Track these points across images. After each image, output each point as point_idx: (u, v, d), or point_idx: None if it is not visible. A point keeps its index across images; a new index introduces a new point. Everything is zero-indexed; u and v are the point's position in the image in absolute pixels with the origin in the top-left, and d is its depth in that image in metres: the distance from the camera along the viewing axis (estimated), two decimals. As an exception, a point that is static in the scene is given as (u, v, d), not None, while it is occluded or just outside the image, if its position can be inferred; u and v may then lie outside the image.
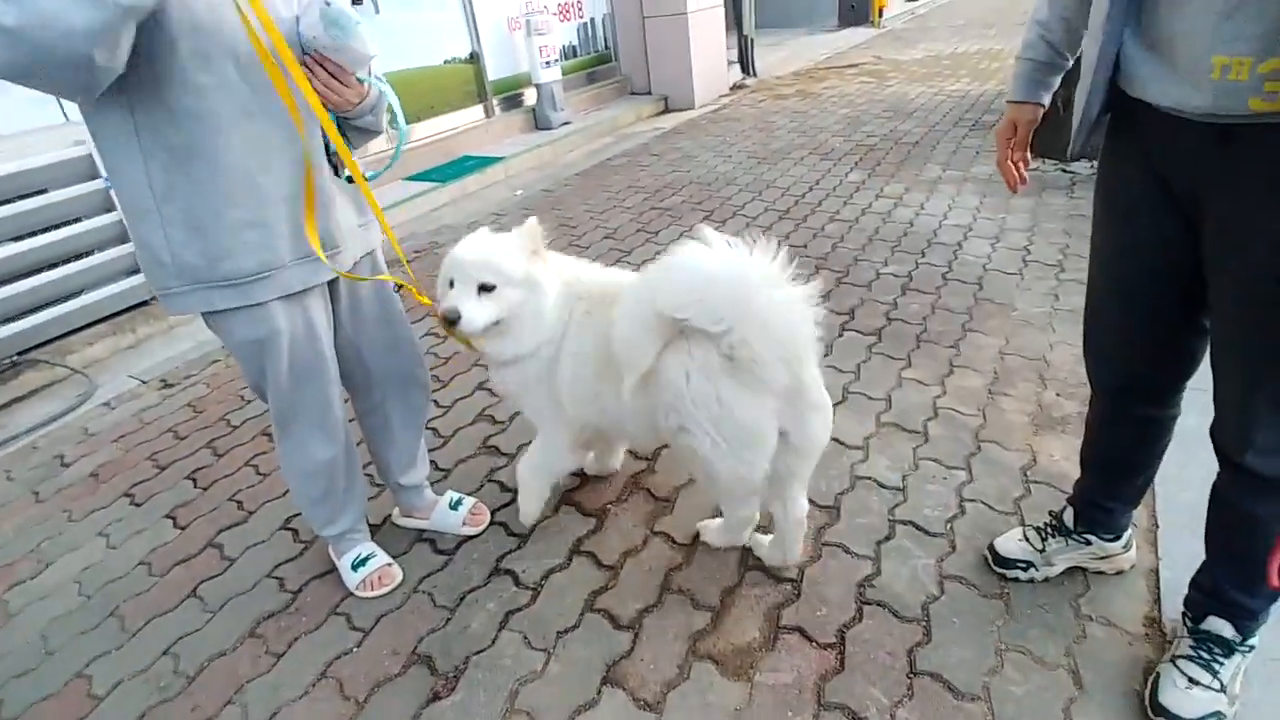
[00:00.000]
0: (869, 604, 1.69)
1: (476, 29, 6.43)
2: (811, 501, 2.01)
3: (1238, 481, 1.27)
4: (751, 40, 8.90)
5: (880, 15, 13.41)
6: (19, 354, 3.19)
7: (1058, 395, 2.36)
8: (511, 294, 1.64)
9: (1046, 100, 1.44)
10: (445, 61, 6.27)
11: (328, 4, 1.32)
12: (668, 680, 1.56)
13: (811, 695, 1.50)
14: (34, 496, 2.49)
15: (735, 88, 8.52)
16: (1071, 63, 1.39)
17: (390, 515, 2.15)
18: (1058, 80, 1.43)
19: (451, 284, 1.65)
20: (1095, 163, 1.41)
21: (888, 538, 1.87)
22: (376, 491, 2.24)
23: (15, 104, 3.39)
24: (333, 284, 1.66)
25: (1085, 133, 1.27)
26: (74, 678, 1.75)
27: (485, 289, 1.62)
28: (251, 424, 2.75)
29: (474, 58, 6.50)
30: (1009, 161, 1.51)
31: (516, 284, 1.64)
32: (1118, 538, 1.65)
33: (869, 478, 2.08)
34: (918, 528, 1.89)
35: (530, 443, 1.94)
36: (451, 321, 1.59)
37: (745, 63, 8.92)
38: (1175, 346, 1.36)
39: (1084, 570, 1.69)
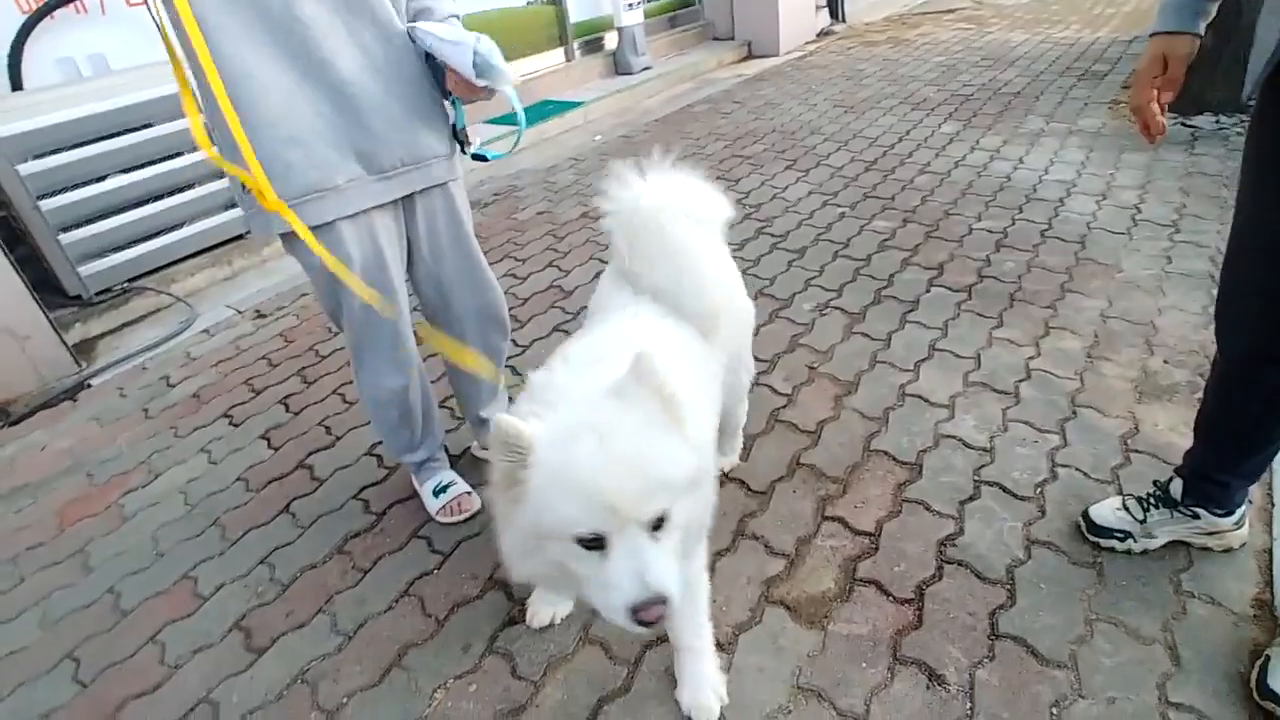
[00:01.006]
0: (950, 563, 1.64)
1: (559, -31, 6.31)
2: (891, 457, 1.97)
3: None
4: (843, -17, 8.47)
5: (983, -43, 12.50)
6: (129, 281, 3.38)
7: (1165, 362, 2.21)
8: (688, 504, 1.02)
9: (1203, 30, 1.27)
10: (528, 3, 6.19)
11: (477, 52, 1.43)
12: (739, 622, 1.56)
13: (887, 649, 1.47)
14: (144, 413, 2.65)
15: (822, 34, 8.14)
16: None
17: (470, 447, 2.20)
18: (1215, 7, 1.25)
19: (591, 542, 0.94)
20: (1219, 116, 1.26)
21: (972, 498, 1.81)
22: (456, 424, 2.30)
23: (126, 40, 3.54)
24: (409, 215, 1.68)
25: (1268, 72, 1.13)
26: (181, 579, 1.88)
27: (658, 524, 0.97)
28: (338, 355, 2.84)
29: (556, -1, 6.40)
30: (1152, 105, 1.33)
31: (693, 486, 1.03)
32: (1230, 513, 1.54)
33: (954, 436, 2.01)
34: (1004, 490, 1.82)
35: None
36: (650, 622, 0.93)
37: (834, 8, 8.49)
38: None
39: (1187, 545, 1.60)
